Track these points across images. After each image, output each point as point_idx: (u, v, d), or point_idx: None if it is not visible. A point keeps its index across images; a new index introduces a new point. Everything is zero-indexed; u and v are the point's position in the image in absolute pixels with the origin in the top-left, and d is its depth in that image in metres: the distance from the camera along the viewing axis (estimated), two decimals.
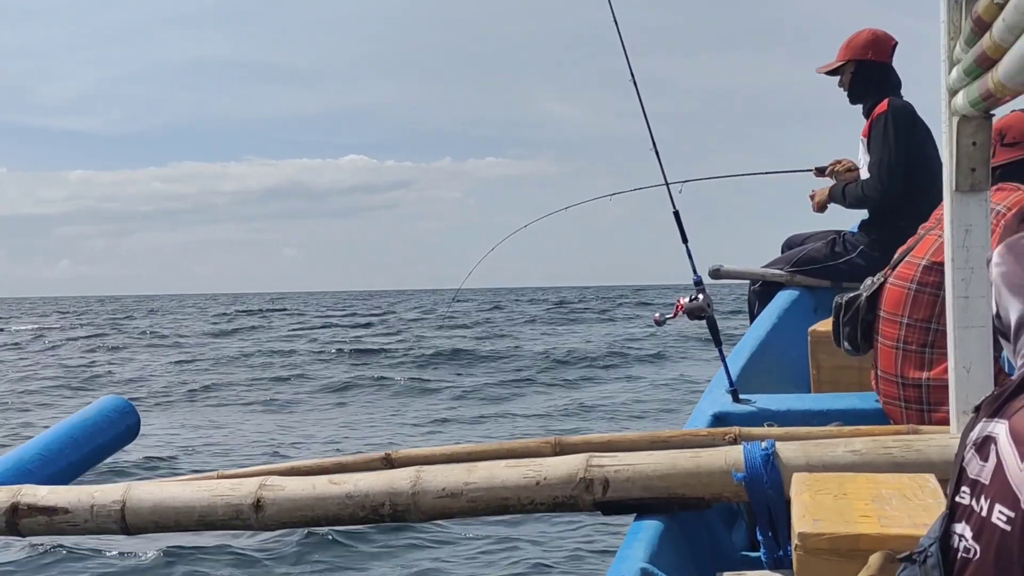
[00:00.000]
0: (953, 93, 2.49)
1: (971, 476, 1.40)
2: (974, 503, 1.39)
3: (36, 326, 39.81)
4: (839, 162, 5.40)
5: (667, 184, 3.92)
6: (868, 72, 5.09)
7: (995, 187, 3.14)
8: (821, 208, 5.42)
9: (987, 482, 1.37)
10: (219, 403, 13.93)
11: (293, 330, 32.81)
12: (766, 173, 5.86)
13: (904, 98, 5.11)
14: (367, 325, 35.59)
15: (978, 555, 1.38)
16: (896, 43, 5.16)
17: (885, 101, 4.98)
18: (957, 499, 1.42)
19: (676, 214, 3.86)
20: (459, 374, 17.17)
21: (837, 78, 5.23)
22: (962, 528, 1.41)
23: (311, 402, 13.91)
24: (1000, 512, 1.34)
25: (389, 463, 3.04)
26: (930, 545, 1.45)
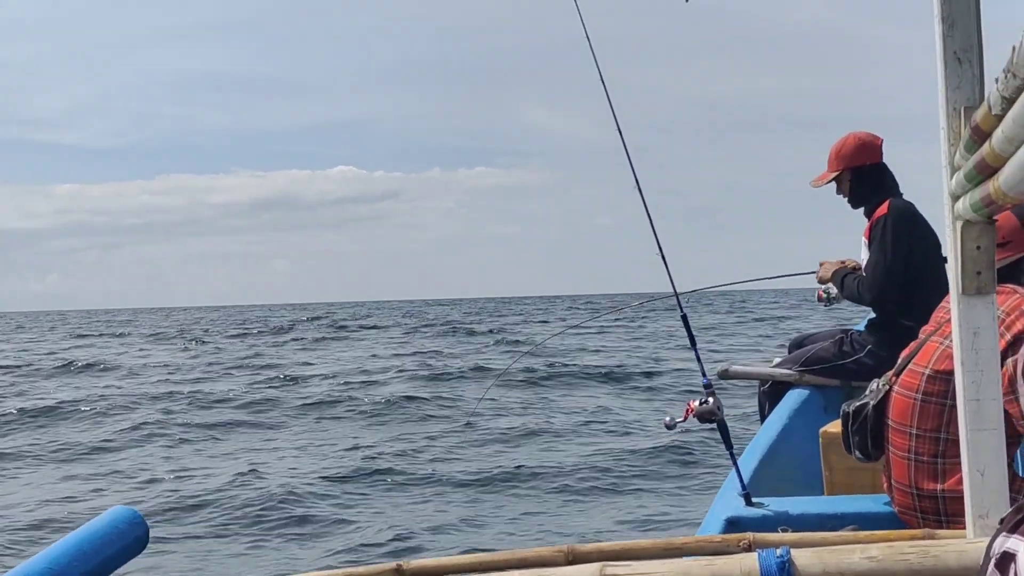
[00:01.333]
0: (955, 198, 2.53)
1: None
2: None
3: None
4: (843, 263, 5.47)
5: (676, 295, 3.94)
6: (864, 177, 5.19)
7: None
8: (823, 280, 5.50)
9: None
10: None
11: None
12: (772, 278, 5.97)
13: (904, 196, 5.20)
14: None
15: None
16: (882, 140, 5.27)
17: (886, 203, 5.07)
18: None
19: (684, 317, 3.88)
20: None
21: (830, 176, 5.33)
22: None
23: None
24: None
25: (400, 575, 3.00)
26: None
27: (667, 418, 3.83)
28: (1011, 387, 2.95)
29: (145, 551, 4.07)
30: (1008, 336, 3.00)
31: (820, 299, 5.68)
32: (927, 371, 3.20)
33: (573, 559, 2.94)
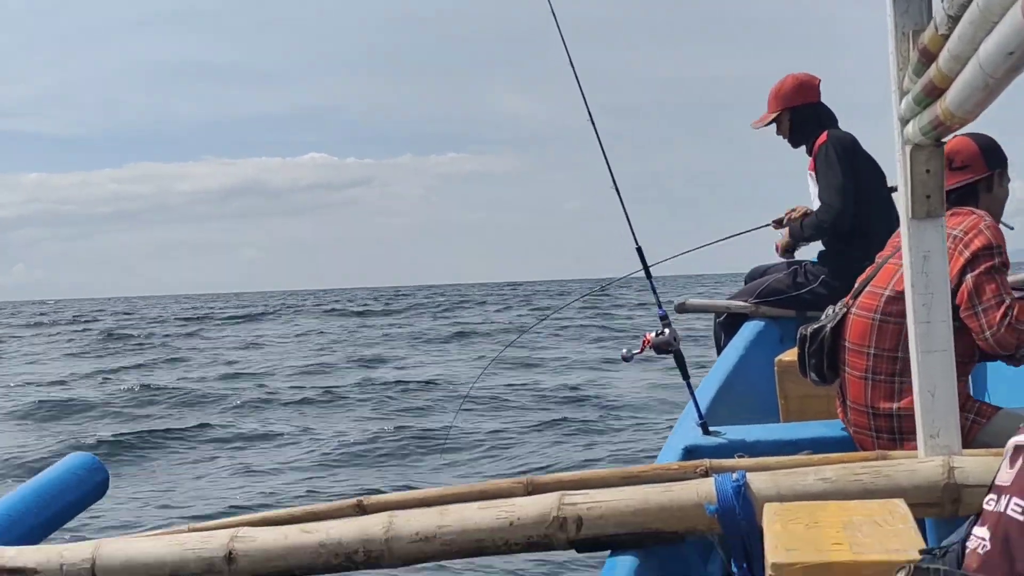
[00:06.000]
0: (904, 122, 2.54)
1: (998, 483, 1.54)
2: (996, 506, 1.52)
3: None
4: (793, 210, 5.55)
5: (628, 219, 3.91)
6: (803, 116, 5.28)
7: (949, 212, 3.19)
8: (787, 252, 5.53)
9: (1009, 484, 1.51)
10: None
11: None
12: (728, 237, 5.98)
13: (842, 129, 5.27)
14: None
15: (988, 547, 1.50)
16: (820, 80, 5.34)
17: (824, 133, 5.15)
18: (984, 506, 1.55)
19: (639, 250, 3.89)
20: None
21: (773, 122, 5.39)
22: (981, 531, 1.53)
23: None
24: (1016, 504, 1.47)
25: (361, 509, 3.02)
26: (951, 546, 1.60)
27: (624, 350, 3.84)
28: (970, 302, 3.00)
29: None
30: (967, 253, 3.04)
31: (778, 249, 5.73)
32: (887, 292, 3.23)
33: (532, 490, 2.96)
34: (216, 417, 12.55)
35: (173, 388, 15.40)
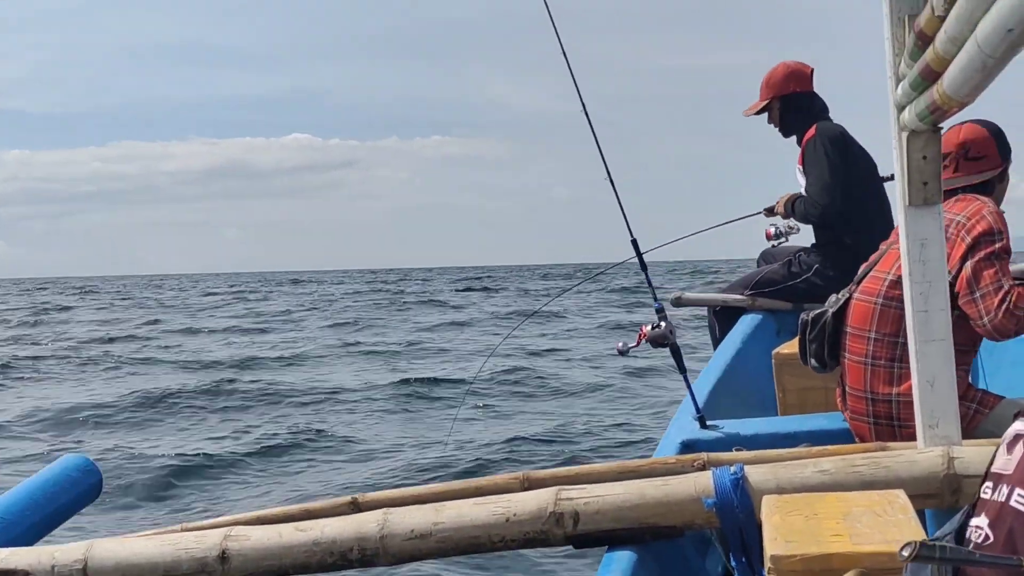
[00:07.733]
0: (901, 108, 2.51)
1: (995, 471, 1.51)
2: (995, 495, 1.49)
3: None
4: (786, 198, 5.53)
5: (625, 217, 3.88)
6: (794, 104, 5.26)
7: (955, 198, 3.16)
8: (770, 214, 5.56)
9: (1010, 472, 1.48)
10: None
11: None
12: (721, 225, 6.02)
13: (833, 120, 5.24)
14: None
15: (991, 539, 1.47)
16: (812, 70, 5.31)
17: (814, 127, 5.12)
18: (981, 495, 1.52)
19: (634, 242, 3.85)
20: None
21: (765, 114, 5.38)
22: (980, 520, 1.50)
23: None
24: (1019, 496, 1.44)
25: (356, 507, 2.99)
26: (945, 536, 1.53)
27: (620, 343, 3.81)
28: (968, 288, 2.96)
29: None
30: (968, 239, 3.00)
31: (769, 237, 5.72)
32: (889, 276, 3.20)
33: (529, 485, 2.93)
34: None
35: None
